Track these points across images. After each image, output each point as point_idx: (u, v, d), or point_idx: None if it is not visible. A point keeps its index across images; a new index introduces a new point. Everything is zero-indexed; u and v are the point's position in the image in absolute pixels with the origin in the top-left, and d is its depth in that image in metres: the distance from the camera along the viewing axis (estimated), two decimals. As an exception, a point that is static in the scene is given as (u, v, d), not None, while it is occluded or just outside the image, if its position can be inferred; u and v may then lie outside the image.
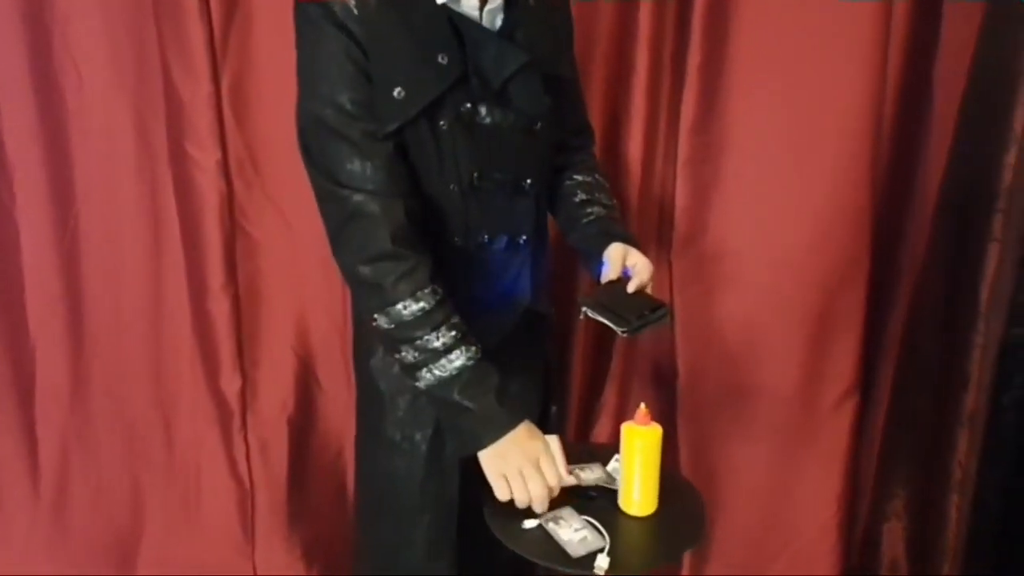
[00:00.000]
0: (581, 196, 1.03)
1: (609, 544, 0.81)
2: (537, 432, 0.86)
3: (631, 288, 0.91)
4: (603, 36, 1.32)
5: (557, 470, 0.84)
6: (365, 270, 0.84)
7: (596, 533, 0.83)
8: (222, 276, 1.41)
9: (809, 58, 1.28)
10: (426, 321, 0.83)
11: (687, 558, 1.50)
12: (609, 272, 0.93)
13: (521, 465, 0.83)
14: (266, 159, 1.37)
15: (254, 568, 1.51)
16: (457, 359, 0.83)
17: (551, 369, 1.12)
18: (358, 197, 0.83)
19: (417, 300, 0.83)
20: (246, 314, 1.45)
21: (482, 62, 0.85)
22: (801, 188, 1.35)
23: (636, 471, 0.86)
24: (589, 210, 1.01)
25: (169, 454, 1.51)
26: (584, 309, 0.90)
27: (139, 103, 1.35)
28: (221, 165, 1.34)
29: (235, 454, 1.49)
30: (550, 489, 0.84)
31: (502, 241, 0.93)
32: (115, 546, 1.53)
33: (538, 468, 0.83)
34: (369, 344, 0.98)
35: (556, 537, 0.82)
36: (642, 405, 0.88)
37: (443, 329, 0.83)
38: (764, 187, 1.36)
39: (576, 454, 0.99)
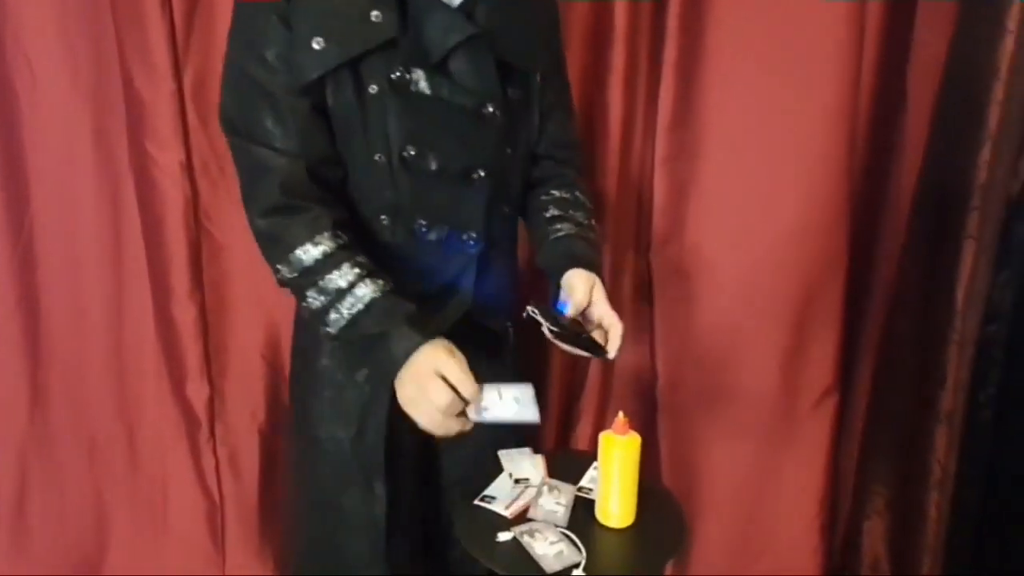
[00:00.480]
0: (553, 212, 0.97)
1: (585, 559, 0.78)
2: (450, 359, 0.78)
3: (569, 313, 0.87)
4: (579, 33, 1.30)
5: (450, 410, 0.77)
6: (262, 223, 0.82)
7: (572, 546, 0.80)
8: (187, 281, 1.36)
9: (785, 55, 1.28)
10: (328, 263, 0.80)
11: (670, 560, 1.49)
12: (570, 306, 0.87)
13: (424, 392, 0.77)
14: (231, 159, 1.32)
15: (225, 582, 1.47)
16: (365, 293, 0.80)
17: None
18: (263, 151, 0.81)
19: (316, 244, 0.81)
20: (213, 320, 1.40)
21: (425, 29, 0.81)
22: (778, 187, 1.34)
23: (614, 481, 0.83)
24: (559, 226, 0.95)
25: (134, 467, 1.46)
26: (529, 309, 0.85)
27: (97, 102, 1.30)
28: (185, 166, 1.30)
29: (203, 466, 1.44)
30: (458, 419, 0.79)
31: (442, 233, 0.88)
32: (78, 563, 1.48)
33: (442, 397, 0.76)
34: (301, 330, 0.97)
35: (531, 551, 0.79)
36: (620, 414, 0.85)
37: (346, 267, 0.81)
38: (741, 185, 1.35)
39: (555, 462, 0.97)
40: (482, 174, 0.88)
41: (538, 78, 0.94)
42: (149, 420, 1.44)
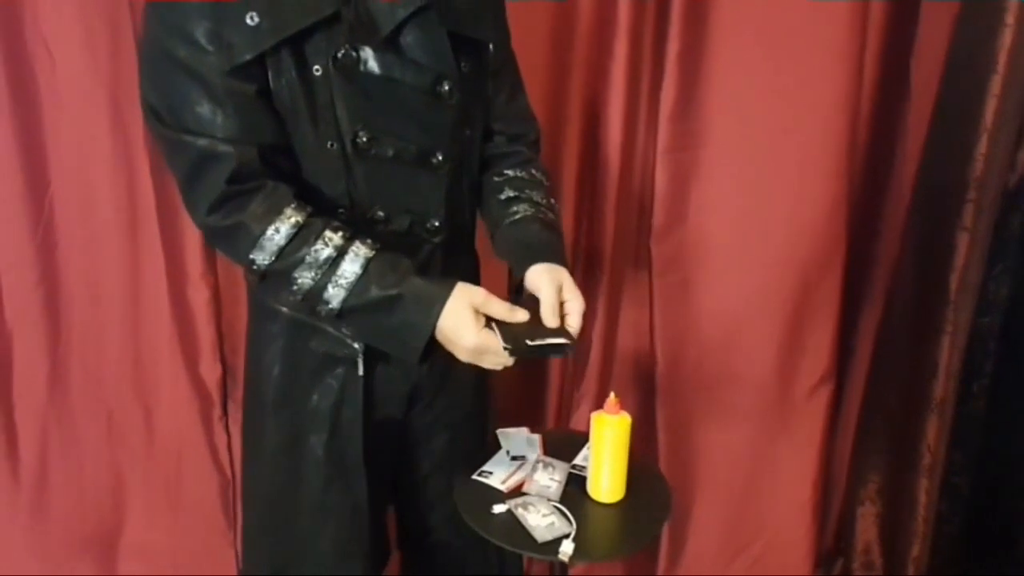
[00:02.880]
0: (508, 193, 0.92)
1: (575, 530, 0.82)
2: (478, 298, 0.77)
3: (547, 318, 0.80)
4: (583, 23, 1.32)
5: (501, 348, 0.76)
6: (212, 220, 0.75)
7: (564, 519, 0.84)
8: (201, 264, 1.41)
9: (788, 48, 1.29)
10: (306, 234, 0.75)
11: (665, 540, 1.53)
12: (545, 312, 0.80)
13: (475, 348, 0.76)
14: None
15: (236, 554, 1.52)
16: (357, 257, 0.75)
17: (482, 388, 1.02)
18: (203, 141, 0.73)
19: (286, 219, 0.74)
20: (226, 301, 1.45)
21: (371, 3, 0.76)
22: (779, 178, 1.36)
23: (605, 459, 0.87)
24: (514, 208, 0.90)
25: (150, 442, 1.51)
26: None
27: (114, 86, 1.33)
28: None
29: (216, 442, 1.50)
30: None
31: (403, 222, 0.83)
32: (97, 533, 1.54)
33: (488, 350, 0.76)
34: (256, 337, 0.92)
35: (524, 522, 0.83)
36: (612, 394, 0.89)
37: (328, 234, 0.75)
38: (742, 176, 1.37)
39: (552, 440, 1.00)
40: (440, 157, 0.83)
41: (490, 48, 0.88)
42: (164, 397, 1.49)
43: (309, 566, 0.92)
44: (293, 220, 0.74)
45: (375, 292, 0.75)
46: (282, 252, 0.75)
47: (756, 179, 1.37)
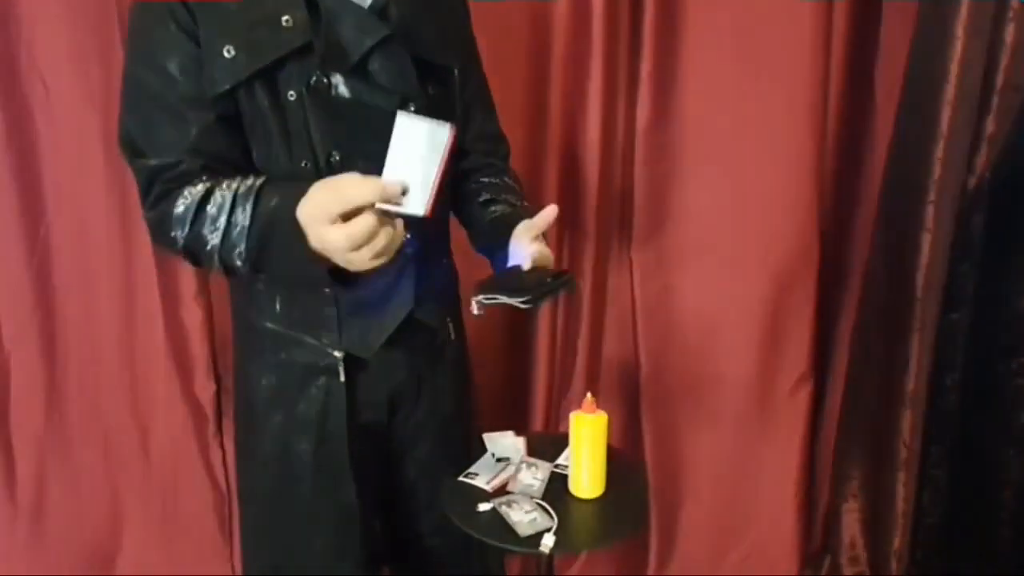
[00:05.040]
0: (485, 196, 0.98)
1: (556, 524, 0.85)
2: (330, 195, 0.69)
3: (527, 266, 0.84)
4: (559, 45, 1.37)
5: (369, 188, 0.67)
6: (151, 215, 0.79)
7: (546, 515, 0.88)
8: (194, 285, 1.44)
9: (755, 64, 1.35)
10: (209, 195, 0.76)
11: (653, 541, 1.56)
12: (522, 245, 0.84)
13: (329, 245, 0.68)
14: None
15: (232, 570, 1.54)
16: (252, 185, 0.75)
17: (462, 393, 1.03)
18: (163, 162, 0.77)
19: (194, 189, 0.76)
20: (218, 321, 1.48)
21: (339, 32, 0.80)
22: (752, 185, 1.41)
23: (584, 456, 0.91)
24: (492, 208, 0.96)
25: (146, 460, 1.53)
26: (477, 299, 0.80)
27: (107, 113, 1.37)
28: (189, 175, 1.37)
29: (211, 458, 1.52)
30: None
31: None
32: (95, 552, 1.55)
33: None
34: (243, 351, 0.95)
35: (508, 519, 0.87)
36: (588, 394, 0.93)
37: (224, 184, 0.77)
38: (717, 185, 1.42)
39: (537, 442, 1.04)
40: None
41: (456, 73, 0.93)
42: (160, 417, 1.51)
43: (303, 568, 0.95)
44: (200, 187, 0.77)
45: (273, 203, 0.73)
46: (193, 219, 0.76)
47: (730, 187, 1.42)
